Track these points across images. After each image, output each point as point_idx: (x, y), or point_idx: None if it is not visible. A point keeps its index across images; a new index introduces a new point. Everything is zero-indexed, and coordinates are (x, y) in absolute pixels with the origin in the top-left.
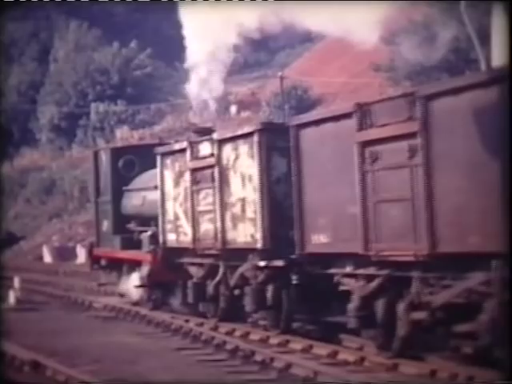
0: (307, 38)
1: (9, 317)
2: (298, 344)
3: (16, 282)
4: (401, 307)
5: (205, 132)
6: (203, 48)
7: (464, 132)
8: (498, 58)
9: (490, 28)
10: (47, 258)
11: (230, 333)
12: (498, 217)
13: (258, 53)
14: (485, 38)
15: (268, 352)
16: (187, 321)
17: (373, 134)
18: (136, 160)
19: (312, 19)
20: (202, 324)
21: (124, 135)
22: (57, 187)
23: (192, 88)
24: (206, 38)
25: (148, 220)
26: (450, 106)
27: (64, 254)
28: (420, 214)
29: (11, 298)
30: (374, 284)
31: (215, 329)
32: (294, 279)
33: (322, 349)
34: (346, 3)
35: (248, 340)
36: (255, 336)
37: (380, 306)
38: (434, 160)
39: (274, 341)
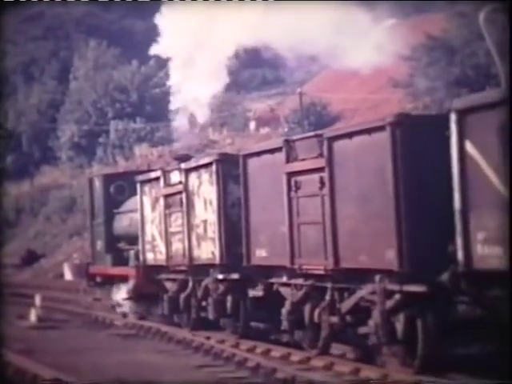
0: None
1: (30, 335)
2: (318, 361)
3: (37, 300)
4: (316, 312)
5: (184, 159)
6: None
7: (354, 169)
8: None
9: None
10: (68, 275)
11: (251, 350)
12: (380, 240)
13: (276, 70)
14: (505, 53)
15: (290, 370)
16: (208, 338)
17: (296, 166)
18: (126, 185)
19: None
20: (223, 341)
21: (143, 153)
22: (77, 205)
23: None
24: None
25: (135, 239)
26: (346, 147)
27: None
28: (328, 235)
29: (32, 316)
30: (301, 292)
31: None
32: (250, 291)
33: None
34: None
35: (269, 357)
36: (276, 353)
37: (306, 310)
38: (336, 191)
39: (295, 358)
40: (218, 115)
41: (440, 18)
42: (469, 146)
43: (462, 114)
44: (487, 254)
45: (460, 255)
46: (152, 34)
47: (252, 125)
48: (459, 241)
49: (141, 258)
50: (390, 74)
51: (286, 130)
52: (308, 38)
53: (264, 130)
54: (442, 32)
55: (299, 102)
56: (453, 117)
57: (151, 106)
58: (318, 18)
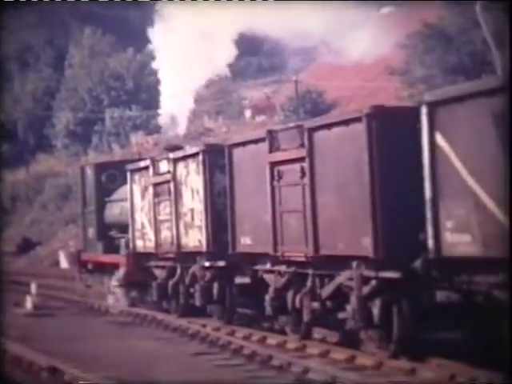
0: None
1: (26, 322)
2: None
3: (33, 287)
4: (297, 298)
5: (175, 149)
6: None
7: (333, 159)
8: None
9: (506, 31)
10: (63, 263)
11: (247, 337)
12: (357, 228)
13: (272, 57)
14: (501, 41)
15: (286, 357)
16: (204, 326)
17: (278, 156)
18: (117, 174)
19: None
20: (218, 329)
21: (139, 140)
22: (73, 193)
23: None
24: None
25: (126, 227)
26: (325, 138)
27: None
28: (308, 223)
29: (28, 303)
30: (284, 279)
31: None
32: (237, 278)
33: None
34: None
35: (265, 345)
36: (272, 341)
37: (289, 296)
38: (316, 180)
39: (291, 345)
40: (213, 103)
41: (436, 6)
42: (438, 138)
43: (432, 106)
44: (456, 241)
45: (430, 243)
46: (148, 23)
47: (247, 113)
48: (429, 229)
49: (131, 245)
50: (388, 61)
51: (281, 117)
52: (303, 27)
53: (260, 118)
54: (438, 19)
55: (295, 90)
56: (423, 109)
57: (147, 94)
58: (313, 6)
